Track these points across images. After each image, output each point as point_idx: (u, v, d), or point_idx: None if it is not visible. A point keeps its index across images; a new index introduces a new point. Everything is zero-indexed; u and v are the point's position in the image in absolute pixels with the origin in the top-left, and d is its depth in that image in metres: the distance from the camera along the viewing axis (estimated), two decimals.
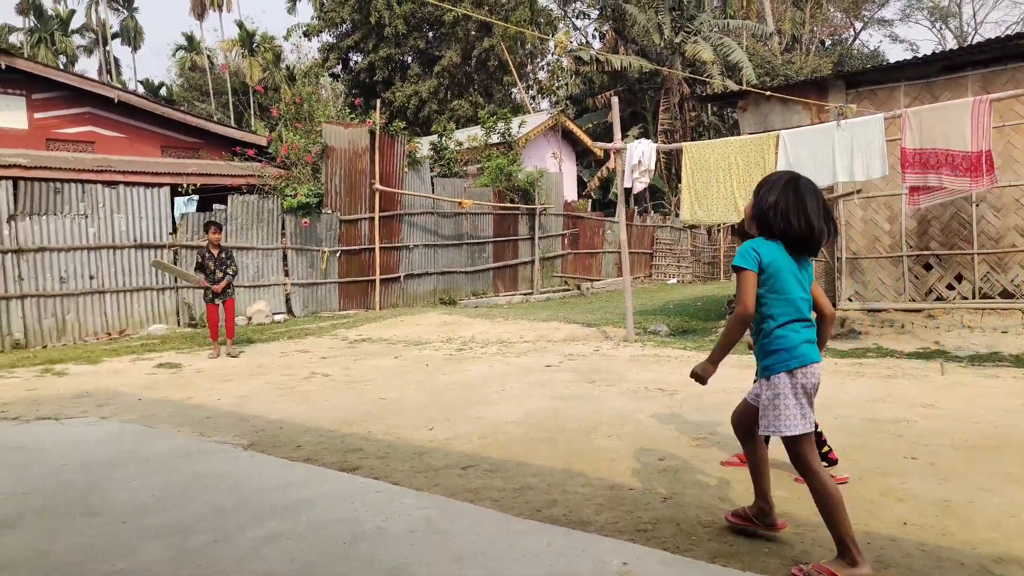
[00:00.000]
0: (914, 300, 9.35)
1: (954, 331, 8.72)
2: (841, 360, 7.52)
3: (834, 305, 9.89)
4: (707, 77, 25.66)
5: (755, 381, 3.06)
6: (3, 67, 15.64)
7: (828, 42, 42.66)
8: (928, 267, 9.32)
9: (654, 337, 9.92)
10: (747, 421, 2.99)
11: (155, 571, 2.67)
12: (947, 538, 2.92)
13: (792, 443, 2.72)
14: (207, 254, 9.15)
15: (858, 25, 44.03)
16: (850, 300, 9.81)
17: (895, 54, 60.59)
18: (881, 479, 3.67)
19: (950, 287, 9.18)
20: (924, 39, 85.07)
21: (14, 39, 49.55)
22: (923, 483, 3.59)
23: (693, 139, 28.63)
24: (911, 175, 7.40)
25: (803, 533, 3.02)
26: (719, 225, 22.70)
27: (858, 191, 9.54)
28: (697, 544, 2.93)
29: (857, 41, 44.23)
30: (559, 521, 3.21)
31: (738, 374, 6.80)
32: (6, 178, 10.93)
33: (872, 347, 8.34)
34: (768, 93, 9.38)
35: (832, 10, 41.09)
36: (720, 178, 8.68)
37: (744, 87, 11.40)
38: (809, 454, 2.71)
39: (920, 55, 9.21)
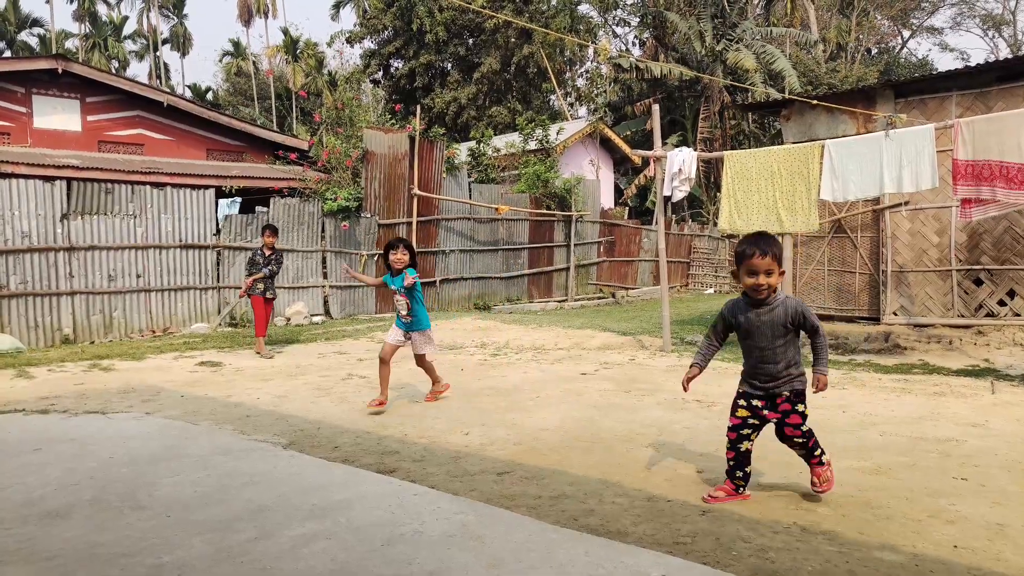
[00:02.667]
0: (963, 316, 9.08)
1: (1005, 348, 8.43)
2: (885, 376, 7.32)
3: (878, 320, 9.66)
4: (749, 85, 25.35)
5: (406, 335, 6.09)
6: (60, 72, 16.21)
7: (874, 51, 41.81)
8: (979, 282, 9.04)
9: (691, 347, 9.79)
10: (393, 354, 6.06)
11: (198, 566, 2.72)
12: (1001, 564, 2.82)
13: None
14: (259, 252, 9.52)
15: (906, 33, 43.07)
16: (895, 314, 9.57)
17: (944, 63, 59.07)
18: (930, 499, 3.56)
19: (1002, 303, 8.89)
20: (976, 48, 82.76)
21: (70, 44, 51.42)
22: (974, 505, 3.47)
23: (733, 148, 28.29)
24: (963, 187, 7.19)
25: (849, 552, 2.94)
26: None
27: (905, 203, 9.32)
28: (738, 559, 2.88)
29: (905, 50, 43.26)
30: (596, 531, 3.19)
31: None
32: (61, 178, 11.31)
33: (918, 363, 8.11)
34: (814, 102, 9.22)
35: (879, 18, 40.26)
36: (762, 187, 8.55)
37: (788, 96, 11.24)
38: (382, 352, 6.00)
39: (973, 64, 8.96)
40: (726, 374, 7.49)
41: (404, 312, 6.00)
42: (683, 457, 4.42)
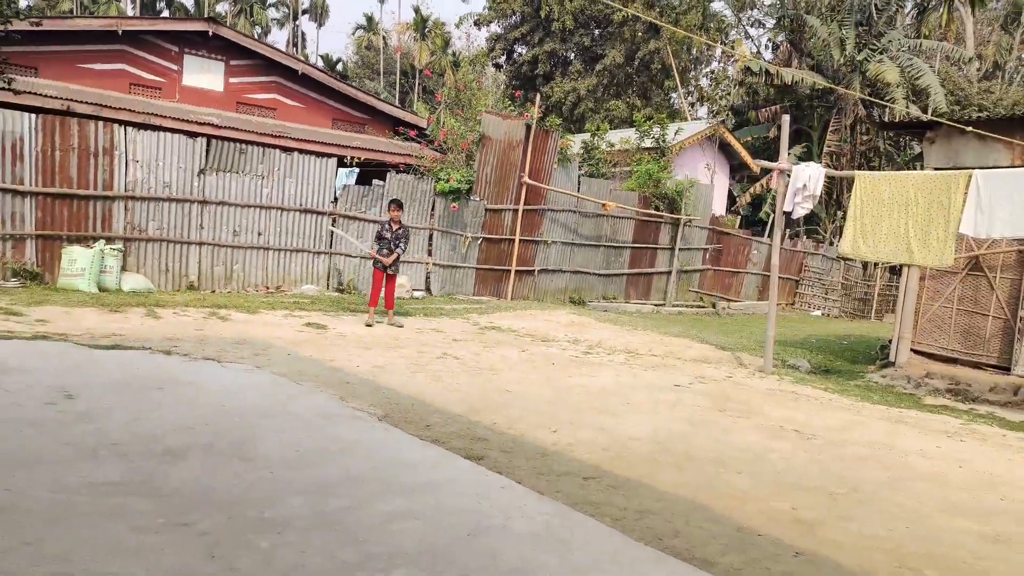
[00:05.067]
0: None
1: None
2: (1011, 432, 6.73)
3: (1009, 370, 8.87)
4: (889, 100, 23.75)
5: None
6: (211, 34, 17.33)
7: None
8: None
9: (793, 372, 9.37)
10: None
11: (297, 526, 2.86)
12: None
13: None
14: (387, 227, 9.94)
15: None
16: None
17: None
18: None
19: None
20: None
21: (220, 8, 54.82)
22: None
23: (862, 165, 26.66)
24: None
25: None
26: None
27: None
28: None
29: None
30: (680, 554, 3.11)
31: (889, 428, 6.28)
32: (202, 135, 12.12)
33: None
34: (968, 128, 8.52)
35: None
36: (893, 214, 8.01)
37: (933, 117, 10.43)
38: None
39: None
40: (829, 405, 7.12)
41: None
42: (777, 489, 4.23)
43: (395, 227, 9.89)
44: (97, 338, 6.75)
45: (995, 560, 3.41)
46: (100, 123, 10.79)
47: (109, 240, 10.56)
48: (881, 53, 24.89)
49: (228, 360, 6.30)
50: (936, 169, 8.80)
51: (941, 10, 29.32)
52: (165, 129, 12.19)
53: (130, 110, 13.65)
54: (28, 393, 4.42)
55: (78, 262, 9.93)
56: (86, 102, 13.14)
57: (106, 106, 13.25)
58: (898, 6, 26.98)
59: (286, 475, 3.45)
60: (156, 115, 13.73)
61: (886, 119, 24.34)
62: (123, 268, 10.61)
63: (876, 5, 25.44)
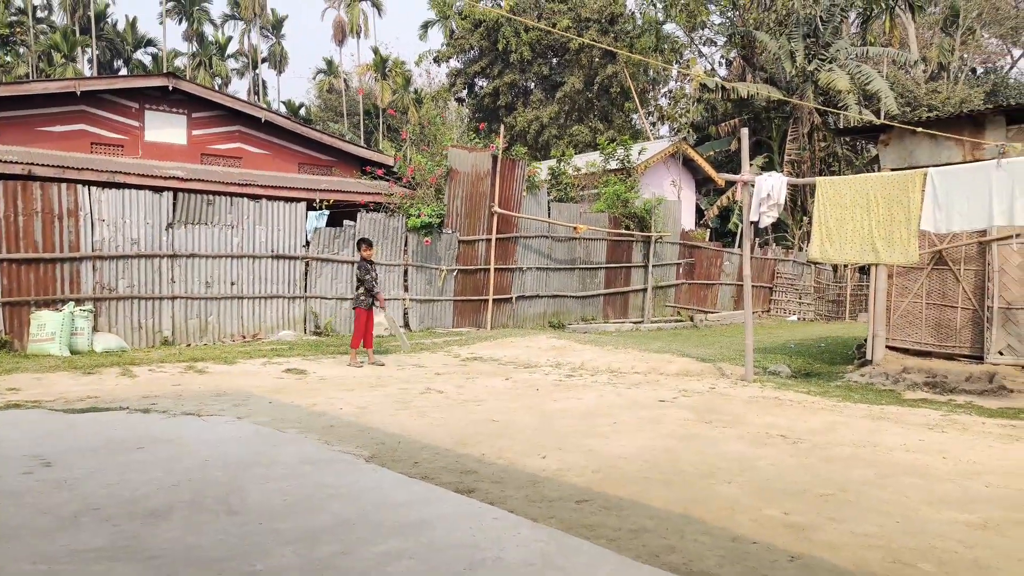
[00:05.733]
0: None
1: None
2: (990, 420, 6.86)
3: (981, 358, 9.06)
4: (841, 107, 24.43)
5: None
6: (170, 88, 17.33)
7: (980, 70, 39.58)
8: None
9: (774, 378, 9.46)
10: None
11: (290, 575, 2.81)
12: None
13: None
14: (366, 266, 10.02)
15: (1016, 52, 40.59)
16: (1000, 354, 8.95)
17: None
18: None
19: None
20: None
21: (179, 62, 54.98)
22: None
23: (822, 171, 27.27)
24: None
25: None
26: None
27: (1016, 235, 8.73)
28: None
29: (1014, 70, 40.73)
30: (678, 570, 3.11)
31: (871, 426, 6.36)
32: (168, 189, 12.06)
33: None
34: (918, 129, 8.79)
35: (986, 36, 38.10)
36: (857, 216, 8.20)
37: (885, 121, 10.76)
38: None
39: None
40: (812, 408, 7.19)
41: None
42: (768, 496, 4.26)
43: (372, 265, 10.04)
44: (72, 402, 6.62)
45: (984, 547, 3.46)
46: (63, 185, 10.71)
47: (79, 302, 10.41)
48: (831, 62, 25.65)
49: (208, 414, 6.21)
50: (893, 170, 9.06)
51: (883, 18, 30.42)
52: (130, 186, 12.10)
53: (93, 169, 13.52)
54: (3, 464, 4.32)
55: (48, 327, 9.76)
56: (48, 165, 13.00)
57: (68, 167, 13.12)
58: (842, 17, 27.88)
59: (275, 525, 3.39)
60: (120, 172, 13.62)
61: (841, 125, 25.08)
62: (95, 329, 10.44)
63: (821, 17, 26.28)
